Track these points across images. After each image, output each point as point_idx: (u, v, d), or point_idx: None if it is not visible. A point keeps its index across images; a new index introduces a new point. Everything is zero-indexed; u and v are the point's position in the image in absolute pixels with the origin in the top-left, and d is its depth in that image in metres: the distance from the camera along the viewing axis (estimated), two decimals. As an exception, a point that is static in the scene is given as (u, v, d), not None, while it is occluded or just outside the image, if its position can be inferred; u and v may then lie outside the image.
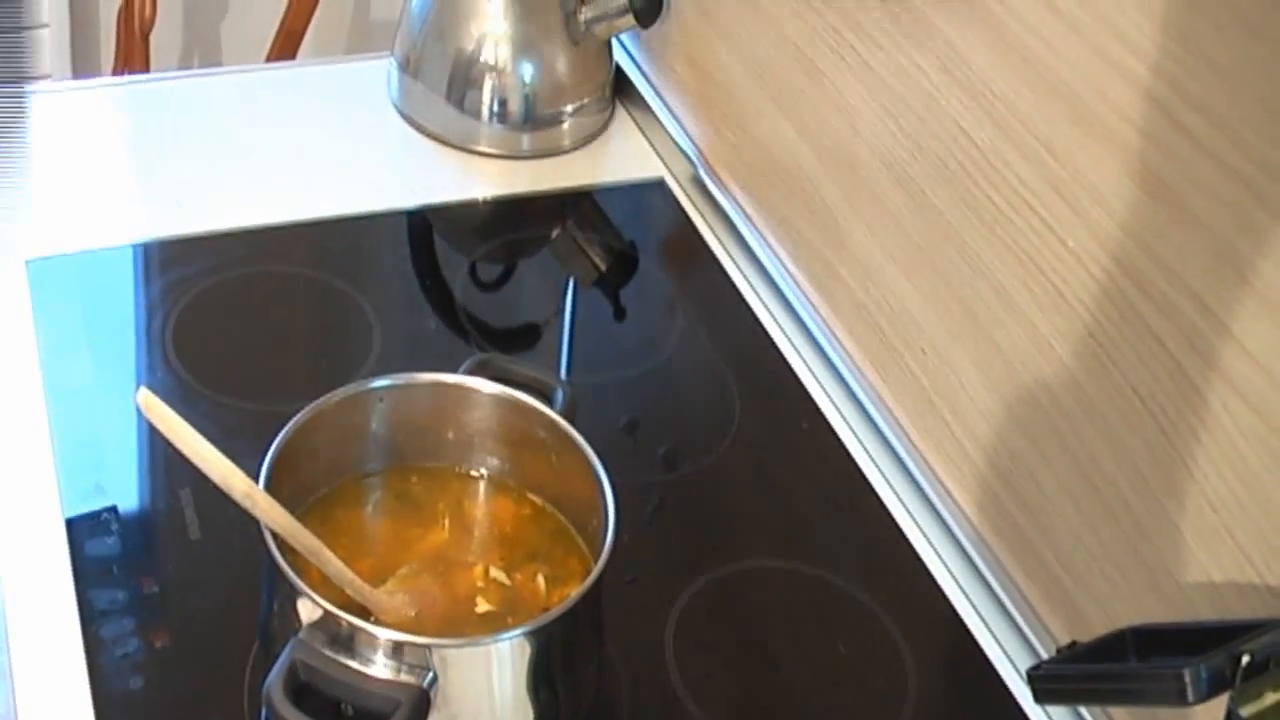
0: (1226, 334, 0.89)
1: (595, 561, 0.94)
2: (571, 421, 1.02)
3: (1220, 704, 0.76)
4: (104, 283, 1.33)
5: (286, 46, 2.28)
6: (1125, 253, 0.96)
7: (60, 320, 1.27)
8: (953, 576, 1.15)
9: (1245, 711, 0.76)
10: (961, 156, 1.10)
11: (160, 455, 1.17)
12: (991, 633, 1.11)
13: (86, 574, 1.07)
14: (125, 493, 1.14)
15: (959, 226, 1.12)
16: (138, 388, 0.92)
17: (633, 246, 1.49)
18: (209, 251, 1.36)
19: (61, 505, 1.12)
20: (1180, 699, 0.78)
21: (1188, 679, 0.77)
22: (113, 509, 1.12)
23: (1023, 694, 1.07)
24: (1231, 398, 0.90)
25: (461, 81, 1.51)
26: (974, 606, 1.13)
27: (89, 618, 1.04)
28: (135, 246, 1.35)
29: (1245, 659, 0.77)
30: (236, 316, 1.33)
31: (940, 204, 1.14)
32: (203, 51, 2.70)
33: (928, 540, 1.17)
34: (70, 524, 1.10)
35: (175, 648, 1.03)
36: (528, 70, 1.52)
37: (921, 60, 1.13)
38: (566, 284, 1.45)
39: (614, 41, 1.58)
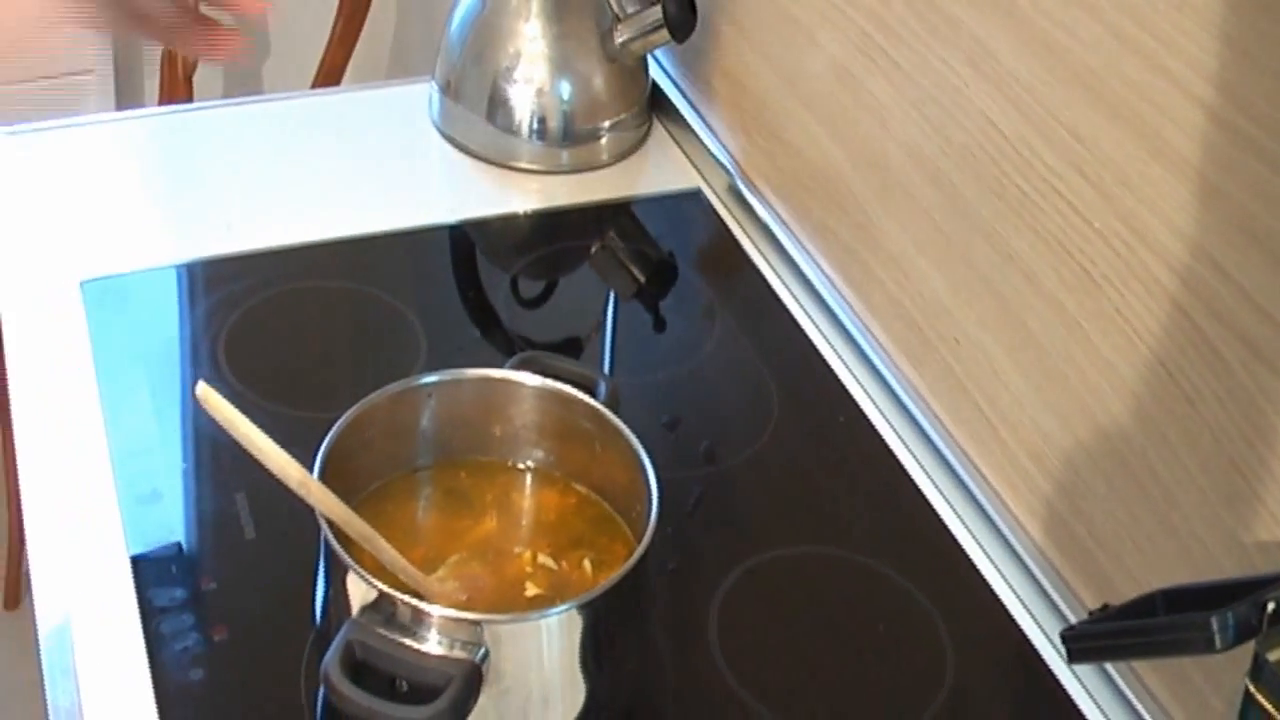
0: (1248, 301, 0.91)
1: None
2: (614, 412, 1.05)
3: (1247, 656, 0.77)
4: (156, 301, 1.37)
5: (327, 83, 2.33)
6: (1148, 229, 0.98)
7: (115, 338, 1.30)
8: (988, 557, 1.17)
9: (1273, 657, 0.78)
10: (989, 147, 1.13)
11: (215, 461, 1.20)
12: (1027, 609, 1.13)
13: (146, 574, 1.10)
14: (182, 497, 1.17)
15: (988, 216, 1.14)
16: (193, 391, 0.94)
17: (671, 256, 1.51)
18: (258, 269, 1.40)
19: (120, 511, 1.15)
20: (1208, 647, 0.80)
21: (1215, 627, 0.79)
22: (170, 513, 1.16)
23: (1060, 670, 1.09)
24: (1254, 362, 0.92)
25: (501, 101, 1.55)
26: (1009, 585, 1.15)
27: (149, 614, 1.07)
28: (186, 265, 1.39)
29: (1271, 606, 0.79)
30: (286, 330, 1.36)
31: (969, 195, 1.16)
32: (245, 92, 2.75)
33: (963, 523, 1.19)
34: (129, 527, 1.14)
35: (233, 641, 1.06)
36: (565, 88, 1.56)
37: (948, 56, 1.16)
38: (607, 296, 1.48)
39: (650, 58, 1.61)
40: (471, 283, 1.46)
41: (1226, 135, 0.91)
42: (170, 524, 1.15)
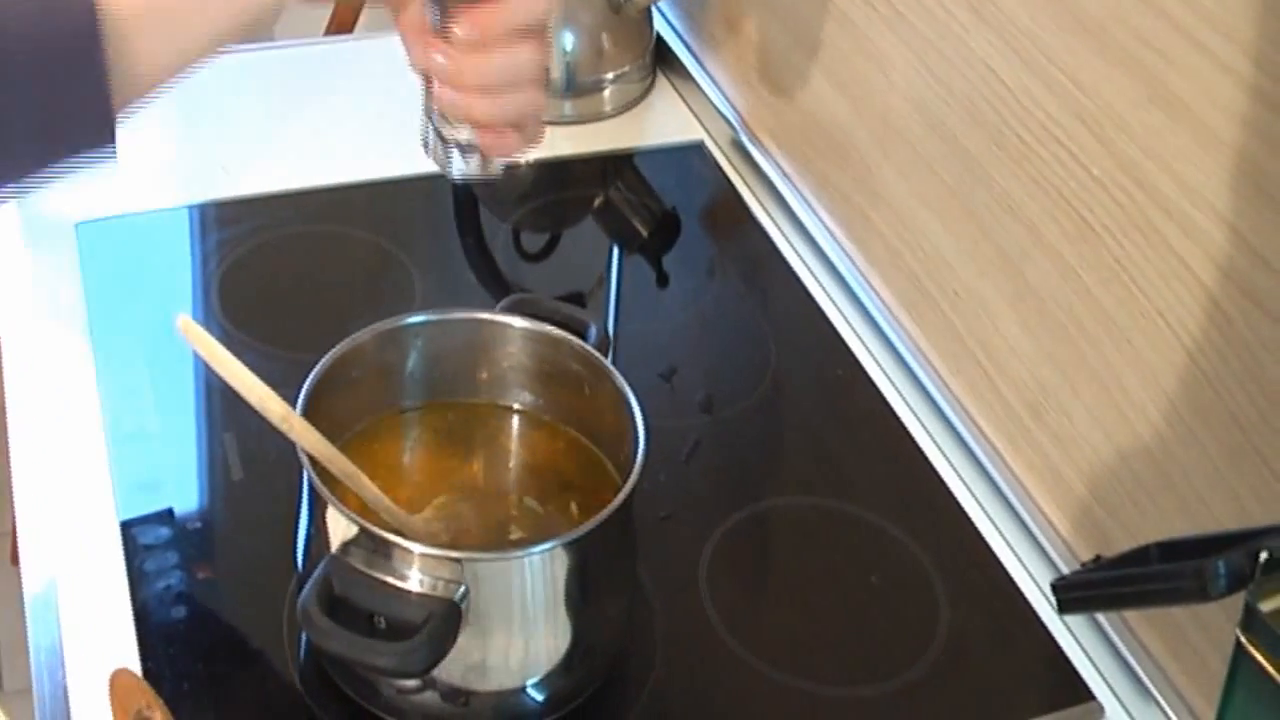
0: (1247, 248, 0.90)
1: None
2: (604, 356, 1.03)
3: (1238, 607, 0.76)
4: (152, 244, 1.35)
5: (339, 33, 2.31)
6: (1148, 176, 0.96)
7: (109, 280, 1.29)
8: (983, 510, 1.16)
9: (1264, 606, 0.76)
10: (990, 96, 1.11)
11: (204, 401, 1.19)
12: (1022, 562, 1.12)
13: (131, 512, 1.10)
14: (169, 436, 1.16)
15: (988, 166, 1.13)
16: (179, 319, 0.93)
17: (674, 209, 1.50)
18: (256, 213, 1.38)
19: (108, 450, 1.14)
20: (1201, 596, 0.78)
21: (1206, 575, 0.78)
22: (157, 452, 1.15)
23: (1055, 624, 1.08)
24: (1255, 313, 0.90)
25: (504, 50, 1.53)
26: (1004, 538, 1.14)
27: (133, 552, 1.07)
28: (180, 209, 1.38)
29: (1264, 555, 0.77)
30: (282, 274, 1.35)
31: (970, 145, 1.15)
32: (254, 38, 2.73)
33: (959, 476, 1.18)
34: (116, 466, 1.13)
35: (217, 580, 1.06)
36: (568, 39, 1.54)
37: (950, 3, 1.14)
38: (609, 249, 1.47)
39: (654, 9, 1.60)
40: (472, 231, 1.45)
41: (1229, 80, 0.89)
42: (157, 463, 1.14)
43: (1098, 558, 0.92)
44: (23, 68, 0.75)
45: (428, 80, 0.92)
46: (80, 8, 0.76)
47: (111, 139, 0.80)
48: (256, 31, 0.87)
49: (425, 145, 0.95)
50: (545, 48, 0.89)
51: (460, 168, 0.94)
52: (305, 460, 0.93)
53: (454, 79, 0.89)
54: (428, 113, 0.94)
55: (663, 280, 1.43)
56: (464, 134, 0.93)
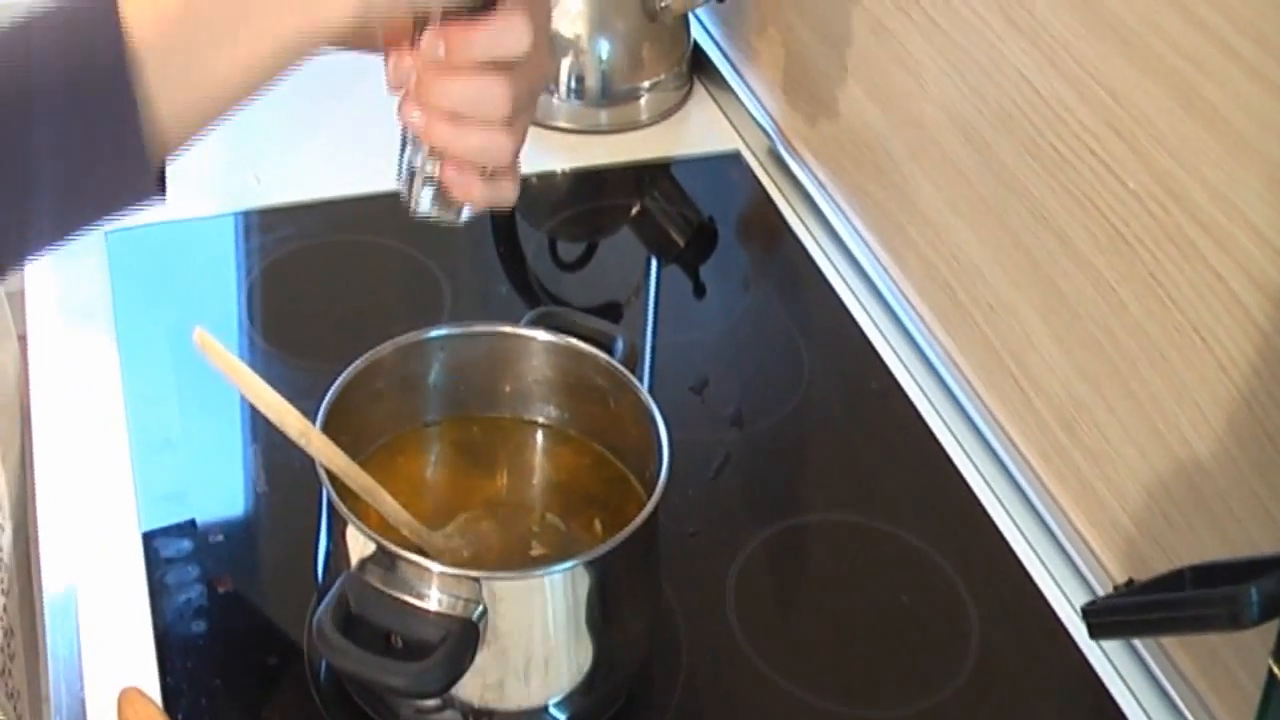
0: (1282, 262, 0.88)
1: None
2: (631, 371, 1.02)
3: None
4: (182, 253, 1.35)
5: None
6: (1183, 188, 0.94)
7: (138, 289, 1.29)
8: (1017, 527, 1.14)
9: (1297, 635, 0.74)
10: (1024, 104, 1.09)
11: (229, 413, 1.18)
12: (1055, 581, 1.10)
13: (154, 524, 1.09)
14: (194, 447, 1.15)
15: (1022, 176, 1.11)
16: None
17: (711, 221, 1.48)
18: (285, 223, 1.38)
19: (132, 460, 1.13)
20: (1233, 624, 0.76)
21: (1240, 603, 0.76)
22: (181, 463, 1.14)
23: (1088, 646, 1.06)
24: (1290, 328, 0.88)
25: (538, 59, 1.52)
26: (1038, 556, 1.12)
27: (154, 564, 1.06)
28: (211, 219, 1.38)
29: (1300, 581, 0.75)
30: (311, 285, 1.35)
31: (1004, 155, 1.13)
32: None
33: (993, 492, 1.16)
34: (140, 476, 1.12)
35: (237, 594, 1.05)
36: (604, 47, 1.53)
37: (984, 10, 1.13)
38: (646, 258, 1.46)
39: (692, 17, 1.58)
40: (507, 240, 1.43)
41: (1264, 90, 0.87)
42: (181, 474, 1.13)
43: (1130, 581, 0.90)
44: (55, 104, 0.74)
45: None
46: (109, 44, 0.75)
47: (148, 179, 0.81)
48: (284, 74, 0.85)
49: (398, 174, 0.93)
50: (522, 94, 0.86)
51: (424, 207, 0.91)
52: (324, 476, 0.92)
53: (419, 92, 0.88)
54: (402, 139, 0.92)
55: (699, 291, 1.41)
56: (431, 167, 0.91)
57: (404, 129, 0.91)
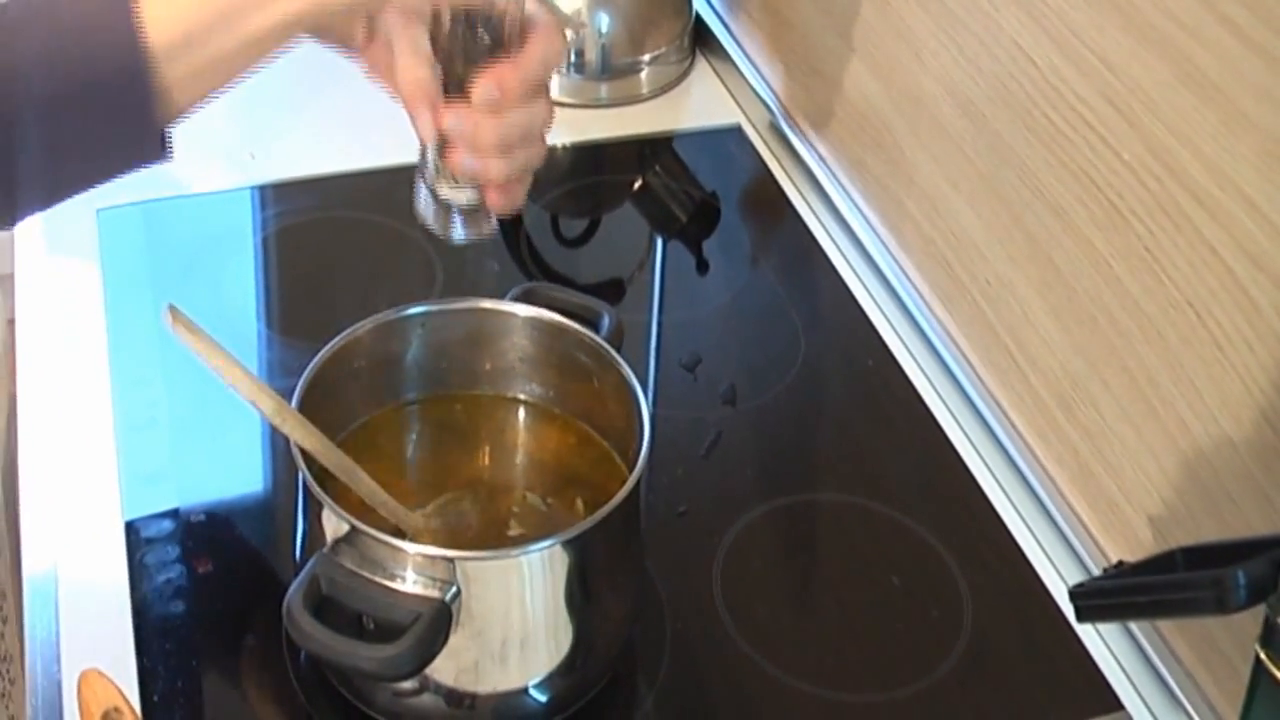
0: (1277, 235, 0.85)
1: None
2: (617, 348, 1.00)
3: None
4: (172, 229, 1.33)
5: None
6: (1178, 161, 0.92)
7: (128, 266, 1.28)
8: (1014, 506, 1.12)
9: (1284, 619, 0.72)
10: (1020, 77, 1.07)
11: (215, 394, 1.17)
12: (1051, 561, 1.08)
13: (135, 503, 1.08)
14: (179, 428, 1.14)
15: (1018, 149, 1.09)
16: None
17: (714, 196, 1.46)
18: (278, 199, 1.37)
19: (116, 439, 1.12)
20: (1219, 608, 0.75)
21: (1226, 586, 0.74)
22: (166, 442, 1.12)
23: (1082, 627, 1.03)
24: (1286, 304, 0.86)
25: (538, 31, 1.50)
26: (1034, 536, 1.10)
27: (135, 544, 1.05)
28: (204, 195, 1.36)
29: (1286, 565, 0.73)
30: (304, 262, 1.33)
31: (1000, 127, 1.11)
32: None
33: (990, 471, 1.14)
34: (123, 455, 1.11)
35: (216, 574, 1.03)
36: (604, 20, 1.51)
37: (981, -20, 1.11)
38: (648, 234, 1.44)
39: (693, -10, 1.56)
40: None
41: (1261, 62, 0.84)
42: (164, 454, 1.12)
43: (1120, 563, 0.88)
44: (73, 103, 0.78)
45: (441, 144, 0.89)
46: (124, 45, 0.78)
47: (164, 148, 0.85)
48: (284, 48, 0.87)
49: (419, 209, 0.92)
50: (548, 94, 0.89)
51: (460, 232, 0.91)
52: (299, 455, 0.90)
53: (472, 142, 0.87)
54: (424, 177, 0.90)
55: (703, 267, 1.39)
56: (465, 196, 0.90)
57: (424, 164, 0.89)
